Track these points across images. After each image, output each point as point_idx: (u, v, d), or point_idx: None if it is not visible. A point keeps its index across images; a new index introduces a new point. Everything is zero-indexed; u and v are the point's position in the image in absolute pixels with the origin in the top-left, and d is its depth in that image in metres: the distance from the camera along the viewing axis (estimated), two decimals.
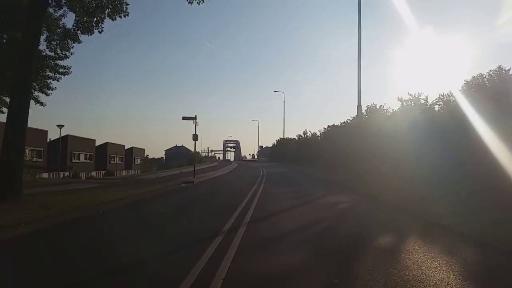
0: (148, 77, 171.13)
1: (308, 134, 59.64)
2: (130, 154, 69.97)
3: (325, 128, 42.13)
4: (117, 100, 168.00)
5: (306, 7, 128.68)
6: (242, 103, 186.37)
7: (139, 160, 74.87)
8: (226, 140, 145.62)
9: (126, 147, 69.71)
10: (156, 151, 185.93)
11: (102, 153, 58.87)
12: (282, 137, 68.04)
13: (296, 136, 64.43)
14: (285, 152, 73.15)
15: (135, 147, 72.21)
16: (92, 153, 54.16)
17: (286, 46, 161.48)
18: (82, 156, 51.41)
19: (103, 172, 53.77)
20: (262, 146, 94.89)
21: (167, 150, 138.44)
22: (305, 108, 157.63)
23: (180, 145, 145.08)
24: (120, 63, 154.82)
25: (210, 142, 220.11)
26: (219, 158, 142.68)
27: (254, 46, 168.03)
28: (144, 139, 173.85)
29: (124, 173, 62.31)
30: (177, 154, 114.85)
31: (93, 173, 53.40)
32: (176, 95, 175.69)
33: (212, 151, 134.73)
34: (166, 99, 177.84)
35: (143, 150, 77.49)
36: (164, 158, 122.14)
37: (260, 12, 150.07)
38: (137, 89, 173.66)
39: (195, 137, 22.62)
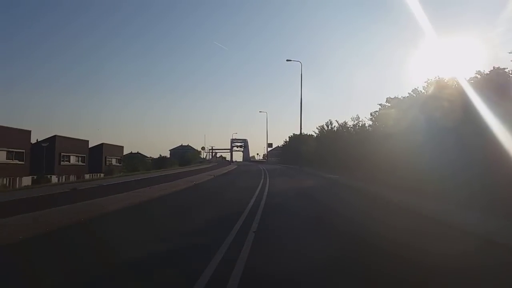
0: (149, 78, 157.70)
1: (334, 126, 41.40)
2: (99, 153, 52.89)
3: (383, 104, 23.46)
4: (132, 104, 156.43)
5: (324, 9, 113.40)
6: (250, 102, 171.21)
7: (114, 160, 57.77)
8: (234, 139, 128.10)
9: (93, 143, 52.97)
10: (163, 151, 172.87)
11: (48, 151, 41.92)
12: (300, 127, 48.63)
13: (317, 128, 45.65)
14: (300, 152, 55.07)
15: (106, 144, 54.85)
16: (24, 151, 37.09)
17: (305, 46, 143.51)
18: (2, 155, 34.47)
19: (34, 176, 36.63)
20: (272, 144, 76.82)
21: (171, 149, 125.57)
22: (322, 107, 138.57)
23: (186, 144, 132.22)
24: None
25: (216, 141, 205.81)
26: (223, 158, 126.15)
27: (266, 45, 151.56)
28: (152, 140, 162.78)
29: (87, 177, 45.27)
30: (180, 154, 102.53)
31: (26, 179, 36.55)
32: (190, 95, 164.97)
33: (213, 150, 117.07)
34: (180, 98, 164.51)
35: (121, 147, 60.24)
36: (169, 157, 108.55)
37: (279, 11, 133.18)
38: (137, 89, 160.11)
39: None
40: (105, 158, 54.41)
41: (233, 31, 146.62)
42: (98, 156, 52.36)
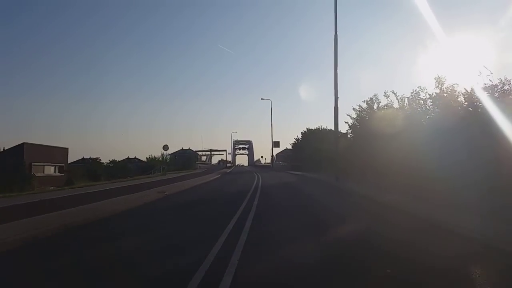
0: (154, 84, 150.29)
1: (387, 104, 21.42)
2: (17, 158, 34.69)
3: None
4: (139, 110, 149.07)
5: (331, 12, 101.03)
6: (255, 104, 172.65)
7: (52, 168, 39.46)
8: (237, 141, 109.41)
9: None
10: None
11: None
12: (335, 100, 27.09)
13: (356, 109, 24.77)
14: (319, 152, 36.27)
15: (30, 144, 36.33)
16: None
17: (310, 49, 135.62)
18: None
19: None
20: (278, 143, 57.25)
21: (171, 154, 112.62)
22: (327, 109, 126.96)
23: (187, 148, 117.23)
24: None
25: (222, 144, 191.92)
26: (224, 161, 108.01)
27: (272, 48, 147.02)
28: (158, 144, 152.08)
29: None
30: (180, 158, 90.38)
31: None
32: (197, 100, 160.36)
33: (211, 152, 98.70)
34: (186, 103, 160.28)
35: (62, 150, 41.57)
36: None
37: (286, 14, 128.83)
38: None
39: None
40: (30, 165, 36.10)
41: (240, 36, 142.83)
42: (16, 162, 34.17)
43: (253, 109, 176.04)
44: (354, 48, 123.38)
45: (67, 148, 41.82)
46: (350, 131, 26.55)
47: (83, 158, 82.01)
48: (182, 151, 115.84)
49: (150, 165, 36.94)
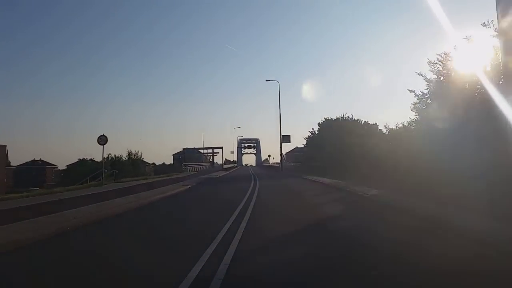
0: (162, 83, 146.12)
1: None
2: None
3: None
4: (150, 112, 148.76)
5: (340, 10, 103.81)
6: (264, 104, 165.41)
7: None
8: (243, 139, 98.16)
9: None
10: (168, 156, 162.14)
11: None
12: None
13: (434, 62, 12.45)
14: (341, 151, 24.98)
15: None
16: None
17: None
18: None
19: None
20: (289, 137, 44.97)
21: (174, 154, 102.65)
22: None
23: (191, 147, 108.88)
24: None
25: (227, 142, 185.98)
26: (226, 161, 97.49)
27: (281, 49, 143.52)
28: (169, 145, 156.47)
29: None
30: (183, 157, 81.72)
31: None
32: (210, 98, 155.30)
33: (214, 151, 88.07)
34: (196, 103, 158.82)
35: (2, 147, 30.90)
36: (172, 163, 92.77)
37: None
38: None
39: None
40: None
41: (246, 35, 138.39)
42: None
43: (260, 109, 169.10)
44: (357, 44, 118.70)
45: (5, 146, 31.09)
46: (415, 114, 15.17)
47: (83, 159, 79.99)
48: (185, 150, 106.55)
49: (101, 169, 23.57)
